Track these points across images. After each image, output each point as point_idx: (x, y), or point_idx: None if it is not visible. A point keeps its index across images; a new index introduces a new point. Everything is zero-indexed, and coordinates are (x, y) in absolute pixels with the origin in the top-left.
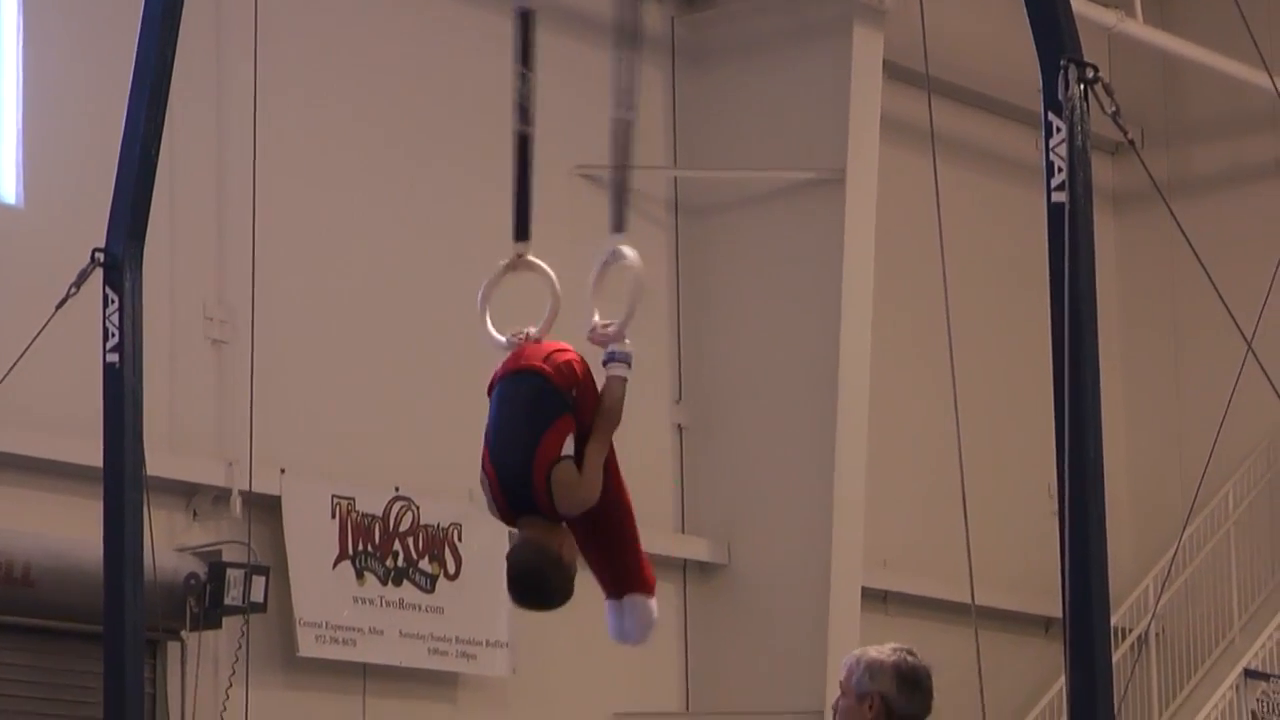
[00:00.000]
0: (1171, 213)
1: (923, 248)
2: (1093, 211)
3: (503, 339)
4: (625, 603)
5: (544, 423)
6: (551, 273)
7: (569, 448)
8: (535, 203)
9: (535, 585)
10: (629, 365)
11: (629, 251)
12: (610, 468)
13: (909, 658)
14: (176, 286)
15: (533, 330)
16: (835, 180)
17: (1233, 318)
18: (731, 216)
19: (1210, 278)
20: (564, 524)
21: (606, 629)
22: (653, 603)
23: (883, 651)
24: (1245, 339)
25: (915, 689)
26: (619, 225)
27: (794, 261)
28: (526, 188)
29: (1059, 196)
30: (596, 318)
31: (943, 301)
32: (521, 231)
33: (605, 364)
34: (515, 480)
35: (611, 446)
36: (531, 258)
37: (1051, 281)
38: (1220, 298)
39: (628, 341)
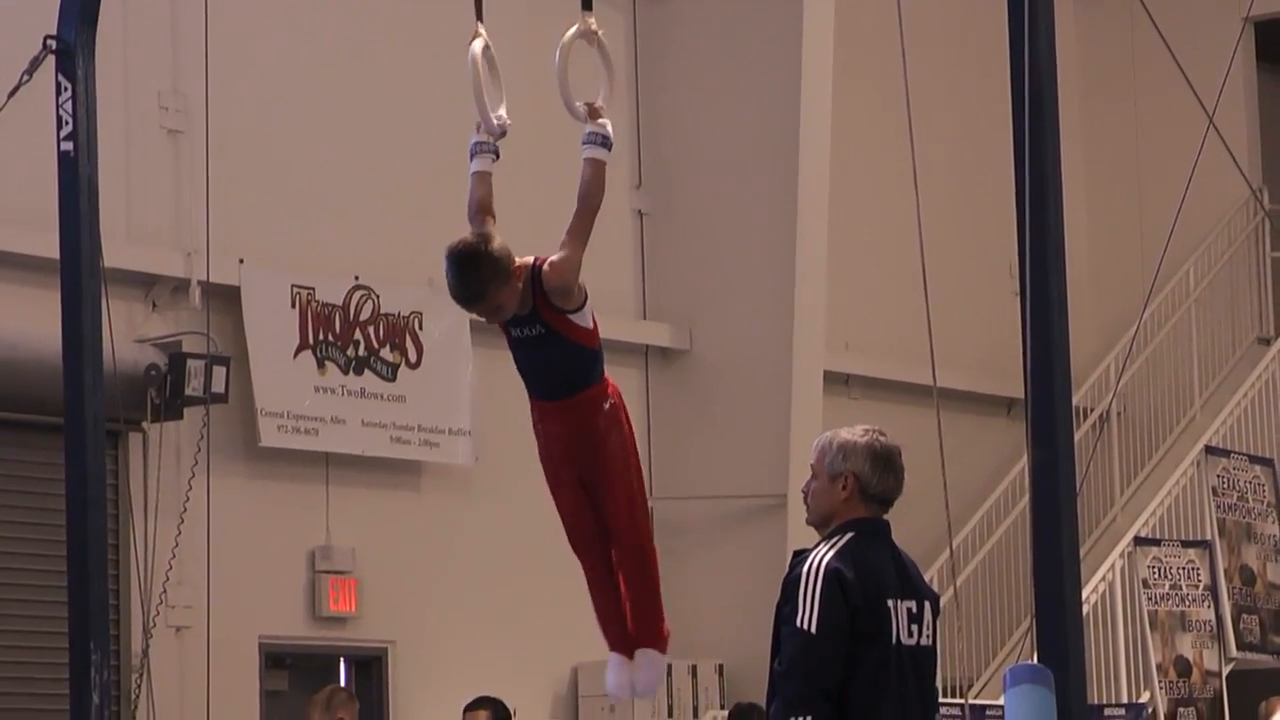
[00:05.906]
0: None
1: (882, 27)
2: None
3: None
4: (638, 658)
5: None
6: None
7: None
8: None
9: (470, 254)
10: (606, 147)
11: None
12: (627, 464)
13: (880, 438)
14: (130, 76)
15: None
16: None
17: (1194, 91)
18: None
19: (1172, 52)
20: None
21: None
22: (664, 658)
23: (854, 433)
24: (1207, 112)
25: (888, 468)
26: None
27: (753, 43)
28: None
29: None
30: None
31: (902, 80)
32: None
33: (582, 145)
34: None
35: (634, 454)
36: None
37: (1011, 54)
38: (1181, 71)
39: (604, 121)
